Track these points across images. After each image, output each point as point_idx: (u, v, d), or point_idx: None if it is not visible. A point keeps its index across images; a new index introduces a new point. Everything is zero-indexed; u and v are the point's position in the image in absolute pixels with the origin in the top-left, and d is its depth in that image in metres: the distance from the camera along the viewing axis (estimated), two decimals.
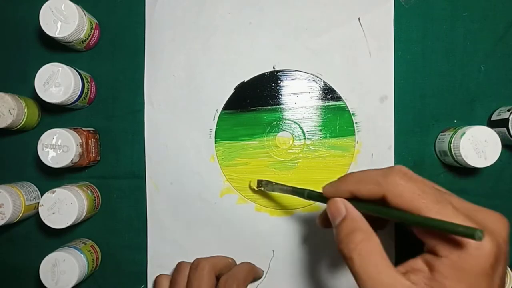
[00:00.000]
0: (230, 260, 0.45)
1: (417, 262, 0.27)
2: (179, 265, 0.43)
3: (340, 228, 0.28)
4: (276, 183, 0.43)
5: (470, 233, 0.23)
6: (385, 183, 0.27)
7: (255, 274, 0.45)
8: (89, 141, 0.45)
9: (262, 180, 0.45)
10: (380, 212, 0.27)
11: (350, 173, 0.31)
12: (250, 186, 0.46)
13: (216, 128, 0.47)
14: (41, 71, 0.42)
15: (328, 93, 0.46)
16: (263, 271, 0.46)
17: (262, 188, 0.45)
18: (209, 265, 0.41)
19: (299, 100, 0.46)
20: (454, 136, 0.42)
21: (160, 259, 0.47)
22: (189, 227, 0.47)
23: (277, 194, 0.46)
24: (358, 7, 0.46)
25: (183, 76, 0.47)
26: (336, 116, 0.46)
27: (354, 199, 0.30)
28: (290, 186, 0.41)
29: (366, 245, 0.27)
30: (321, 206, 0.46)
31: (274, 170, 0.46)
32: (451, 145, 0.42)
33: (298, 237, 0.46)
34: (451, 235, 0.25)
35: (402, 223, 0.27)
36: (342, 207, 0.29)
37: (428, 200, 0.26)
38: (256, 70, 0.47)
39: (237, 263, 0.46)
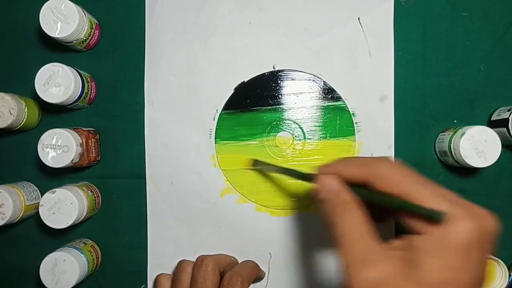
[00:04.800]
0: (232, 258, 0.45)
1: (398, 243, 0.28)
2: (181, 263, 0.43)
3: (325, 200, 0.30)
4: (267, 163, 0.45)
5: (432, 215, 0.25)
6: (374, 166, 0.29)
7: (258, 273, 0.45)
8: (89, 141, 0.45)
9: (255, 159, 0.46)
10: (364, 195, 0.29)
11: (342, 157, 0.33)
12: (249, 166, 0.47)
13: (216, 128, 0.47)
14: (41, 71, 0.42)
15: (328, 93, 0.46)
16: (265, 273, 0.46)
17: (253, 167, 0.46)
18: (213, 261, 0.41)
19: (299, 100, 0.46)
20: (454, 136, 0.42)
21: (160, 259, 0.47)
22: (189, 227, 0.47)
23: (278, 191, 0.46)
24: (358, 7, 0.46)
25: (183, 76, 0.47)
26: (336, 116, 0.46)
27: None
28: (279, 166, 0.44)
29: (351, 214, 0.28)
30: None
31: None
32: (451, 145, 0.42)
33: (298, 237, 0.46)
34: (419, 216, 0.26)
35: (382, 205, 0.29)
36: (328, 182, 0.30)
37: (411, 183, 0.27)
38: (256, 70, 0.47)
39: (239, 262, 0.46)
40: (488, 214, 0.26)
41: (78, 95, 0.43)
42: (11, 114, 0.42)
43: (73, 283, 0.41)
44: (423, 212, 0.26)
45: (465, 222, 0.25)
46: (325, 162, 0.32)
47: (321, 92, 0.46)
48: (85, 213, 0.43)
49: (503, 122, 0.43)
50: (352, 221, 0.28)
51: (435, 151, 0.46)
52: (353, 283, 0.26)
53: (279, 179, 0.46)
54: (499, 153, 0.41)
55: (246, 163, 0.46)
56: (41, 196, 0.44)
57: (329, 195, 0.30)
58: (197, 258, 0.42)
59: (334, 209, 0.29)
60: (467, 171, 0.45)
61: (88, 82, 0.45)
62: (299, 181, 0.39)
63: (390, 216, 0.30)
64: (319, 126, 0.46)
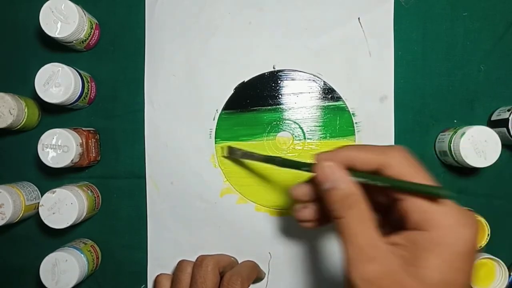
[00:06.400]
0: (232, 259, 0.45)
1: (398, 238, 0.28)
2: (181, 263, 0.43)
3: (332, 192, 0.29)
4: (247, 151, 0.44)
5: (444, 194, 0.26)
6: (387, 153, 0.29)
7: (258, 273, 0.45)
8: (89, 141, 0.45)
9: (232, 147, 0.45)
10: (372, 179, 0.29)
11: (347, 145, 0.32)
12: (222, 154, 0.47)
13: (216, 128, 0.47)
14: (41, 71, 0.42)
15: (328, 93, 0.46)
16: (265, 273, 0.46)
17: (231, 155, 0.45)
18: (213, 261, 0.41)
19: (299, 100, 0.46)
20: (454, 136, 0.42)
21: (160, 259, 0.47)
22: (189, 227, 0.47)
23: (278, 191, 0.46)
24: (358, 7, 0.46)
25: (183, 76, 0.47)
26: (336, 116, 0.46)
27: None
28: (261, 154, 0.42)
29: (357, 208, 0.28)
30: None
31: (274, 170, 0.46)
32: (451, 145, 0.42)
33: (298, 237, 0.46)
34: (432, 197, 0.27)
35: (389, 191, 0.29)
36: (334, 171, 0.29)
37: (421, 176, 0.28)
38: (256, 70, 0.47)
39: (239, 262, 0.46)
40: (479, 224, 0.26)
41: (78, 95, 0.43)
42: (11, 114, 0.42)
43: (73, 283, 0.41)
44: (430, 190, 0.26)
45: (468, 229, 0.26)
46: (322, 150, 0.31)
47: (321, 92, 0.46)
48: (85, 213, 0.43)
49: (503, 122, 0.43)
50: (357, 215, 0.28)
51: (435, 151, 0.46)
52: (353, 277, 0.26)
53: (280, 178, 0.46)
54: (499, 153, 0.41)
55: (222, 150, 0.46)
56: (41, 196, 0.44)
57: (333, 185, 0.29)
58: (197, 258, 0.42)
59: (338, 201, 0.28)
60: (467, 171, 0.45)
61: (88, 82, 0.45)
62: (287, 170, 0.36)
63: (389, 209, 0.30)
64: (319, 126, 0.46)
